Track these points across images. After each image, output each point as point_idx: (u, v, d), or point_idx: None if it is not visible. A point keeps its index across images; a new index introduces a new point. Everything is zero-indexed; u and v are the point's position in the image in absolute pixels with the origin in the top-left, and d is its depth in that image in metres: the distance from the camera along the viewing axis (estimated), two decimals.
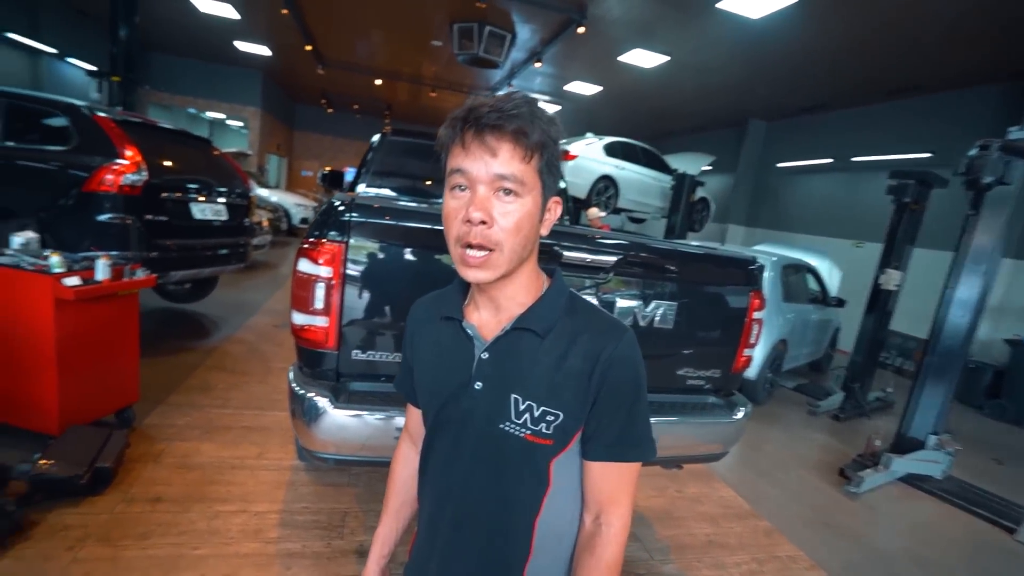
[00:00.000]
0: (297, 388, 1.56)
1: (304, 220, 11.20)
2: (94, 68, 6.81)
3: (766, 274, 4.64)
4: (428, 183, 3.69)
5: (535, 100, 0.66)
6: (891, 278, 4.57)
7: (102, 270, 2.33)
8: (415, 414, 0.88)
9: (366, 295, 1.57)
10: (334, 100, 16.48)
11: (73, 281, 2.20)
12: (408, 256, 1.60)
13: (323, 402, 1.50)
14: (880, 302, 4.72)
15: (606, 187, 7.77)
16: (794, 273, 5.23)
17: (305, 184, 17.97)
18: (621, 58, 8.14)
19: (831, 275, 6.30)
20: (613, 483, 0.72)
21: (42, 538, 1.86)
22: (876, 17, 5.55)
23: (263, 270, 7.79)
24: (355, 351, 1.59)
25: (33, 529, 1.89)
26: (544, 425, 0.69)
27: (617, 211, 8.34)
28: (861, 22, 5.72)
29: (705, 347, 2.07)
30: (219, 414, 3.01)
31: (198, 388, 3.32)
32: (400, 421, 1.53)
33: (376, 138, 3.62)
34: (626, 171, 8.00)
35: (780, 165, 10.14)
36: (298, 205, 11.30)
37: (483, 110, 0.63)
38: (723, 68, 7.93)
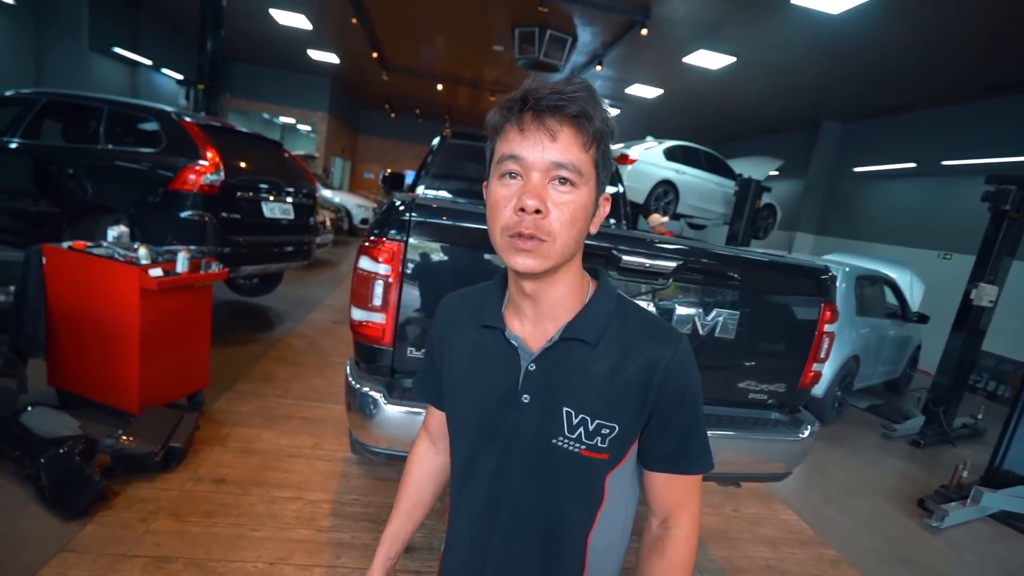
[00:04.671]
0: (353, 382, 1.59)
1: (364, 220, 11.62)
2: (181, 77, 7.38)
3: (838, 285, 4.33)
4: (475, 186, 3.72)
5: (594, 87, 0.62)
6: (985, 293, 4.14)
7: (182, 263, 2.50)
8: (437, 416, 0.85)
9: (423, 294, 1.58)
10: (397, 105, 17.04)
11: (157, 272, 2.37)
12: (464, 256, 1.61)
13: (378, 397, 1.53)
14: (971, 319, 4.29)
15: (665, 192, 7.56)
16: (869, 285, 4.86)
17: (367, 186, 18.69)
18: (685, 59, 7.90)
19: (912, 288, 5.81)
20: (680, 491, 0.71)
21: (121, 508, 2.01)
22: (978, 4, 5.06)
23: (325, 267, 8.14)
24: (410, 348, 1.61)
25: (113, 499, 2.05)
26: (600, 439, 0.66)
27: (676, 217, 8.10)
28: (958, 11, 5.24)
29: (769, 360, 1.95)
30: (279, 404, 3.15)
31: (261, 378, 3.50)
32: None
33: (436, 141, 3.68)
34: (687, 176, 7.76)
35: (857, 170, 9.48)
36: (359, 206, 11.75)
37: (543, 91, 0.59)
38: (796, 67, 7.52)
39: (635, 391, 0.66)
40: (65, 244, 2.50)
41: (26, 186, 3.81)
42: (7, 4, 7.20)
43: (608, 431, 0.66)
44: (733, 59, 7.55)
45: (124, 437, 2.22)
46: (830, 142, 10.05)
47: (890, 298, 5.30)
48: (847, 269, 4.52)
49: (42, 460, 2.02)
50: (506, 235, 0.61)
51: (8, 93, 4.14)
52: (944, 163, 7.77)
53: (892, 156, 8.73)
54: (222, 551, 1.88)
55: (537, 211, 0.58)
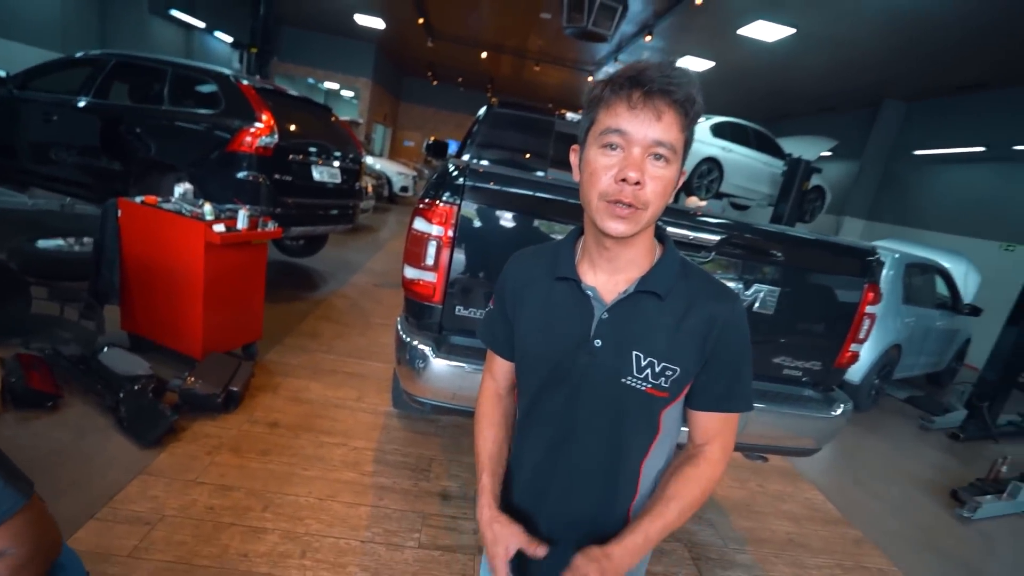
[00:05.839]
0: (405, 336, 1.70)
1: (403, 188, 11.77)
2: (231, 40, 7.56)
3: (885, 271, 4.21)
4: (528, 156, 3.74)
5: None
6: None
7: (242, 220, 2.65)
8: (502, 364, 0.92)
9: (472, 255, 1.67)
10: (439, 73, 16.97)
11: (220, 228, 2.53)
12: (513, 221, 1.67)
13: (427, 351, 1.63)
14: None
15: (709, 170, 7.38)
16: (919, 273, 4.68)
17: (406, 153, 18.83)
18: (740, 31, 7.55)
19: (967, 280, 5.56)
20: (719, 425, 0.80)
21: (188, 441, 2.22)
22: None
23: (365, 232, 8.35)
24: (458, 307, 1.70)
25: (182, 433, 2.26)
26: (664, 379, 0.74)
27: (720, 196, 7.90)
28: None
29: (806, 337, 1.96)
30: (325, 358, 3.34)
31: (308, 334, 3.70)
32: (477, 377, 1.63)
33: (483, 110, 3.71)
34: (733, 154, 7.53)
35: (918, 152, 8.97)
36: (399, 173, 11.88)
37: (652, 73, 0.64)
38: (860, 41, 7.10)
39: (696, 340, 0.74)
40: (138, 199, 2.68)
41: (96, 143, 4.05)
42: None
43: (671, 372, 0.74)
44: (792, 31, 7.18)
45: (190, 378, 2.43)
46: (890, 122, 9.50)
47: (942, 288, 5.10)
48: (896, 255, 4.36)
49: (121, 395, 2.24)
50: (604, 200, 0.69)
51: (79, 55, 4.37)
52: (1017, 147, 7.27)
53: (959, 139, 8.21)
54: (277, 485, 2.07)
55: (637, 183, 0.66)
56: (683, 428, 0.83)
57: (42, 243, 3.68)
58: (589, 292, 0.77)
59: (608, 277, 0.77)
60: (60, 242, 3.79)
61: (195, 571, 1.61)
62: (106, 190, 3.90)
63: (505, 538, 0.76)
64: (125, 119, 3.98)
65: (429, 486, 2.27)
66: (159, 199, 2.69)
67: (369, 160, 11.14)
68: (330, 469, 2.25)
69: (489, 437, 0.89)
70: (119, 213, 2.69)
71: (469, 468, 2.46)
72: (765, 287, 1.84)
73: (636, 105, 0.65)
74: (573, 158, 0.76)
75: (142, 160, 3.91)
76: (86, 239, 3.83)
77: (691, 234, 1.68)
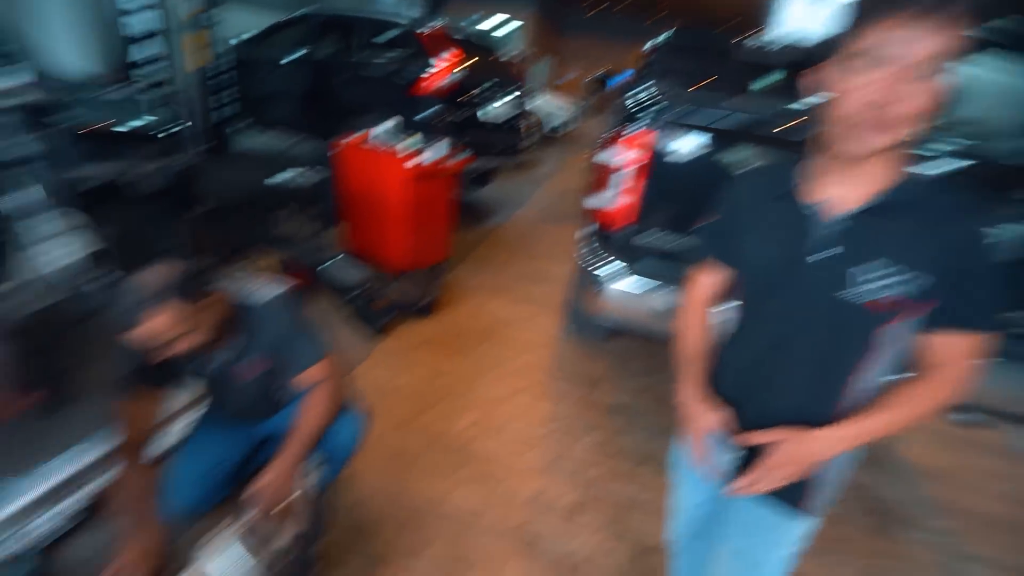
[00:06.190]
0: (588, 259, 1.82)
1: (564, 123, 11.65)
2: None
3: None
4: (709, 82, 3.46)
5: None
6: None
7: (438, 151, 2.96)
8: (711, 276, 0.96)
9: (659, 183, 1.68)
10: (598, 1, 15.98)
11: (421, 158, 2.87)
12: (701, 150, 1.63)
13: (610, 273, 1.74)
14: None
15: None
16: None
17: (566, 88, 18.46)
18: None
19: None
20: (948, 349, 0.74)
21: (399, 337, 2.71)
22: None
23: (527, 169, 8.55)
24: (640, 233, 1.75)
25: (390, 331, 2.74)
26: (882, 296, 0.72)
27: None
28: None
29: None
30: (498, 281, 3.66)
31: (482, 259, 4.06)
32: (661, 299, 1.68)
33: (661, 37, 3.49)
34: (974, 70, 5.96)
35: None
36: (561, 108, 11.76)
37: None
38: None
39: (928, 258, 0.70)
40: (351, 136, 3.14)
41: (311, 89, 4.76)
42: None
43: (893, 289, 0.72)
44: None
45: (398, 287, 2.90)
46: None
47: None
48: None
49: (350, 295, 2.77)
50: (855, 119, 0.66)
51: (295, 14, 5.07)
52: None
53: None
54: (469, 380, 2.43)
55: (892, 102, 0.63)
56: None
57: (280, 176, 4.55)
58: (810, 211, 0.77)
59: (842, 193, 0.75)
60: (292, 174, 4.63)
61: (413, 432, 2.03)
62: (325, 129, 4.60)
63: (706, 418, 0.85)
64: (332, 68, 4.59)
65: (599, 398, 2.45)
66: (369, 135, 3.11)
67: (531, 96, 11.19)
68: (510, 373, 2.55)
69: (693, 337, 0.98)
70: (336, 150, 3.19)
71: (636, 388, 2.57)
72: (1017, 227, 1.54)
73: (908, 22, 0.60)
74: (814, 76, 0.72)
75: (347, 103, 4.50)
76: (311, 171, 4.62)
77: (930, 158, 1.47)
